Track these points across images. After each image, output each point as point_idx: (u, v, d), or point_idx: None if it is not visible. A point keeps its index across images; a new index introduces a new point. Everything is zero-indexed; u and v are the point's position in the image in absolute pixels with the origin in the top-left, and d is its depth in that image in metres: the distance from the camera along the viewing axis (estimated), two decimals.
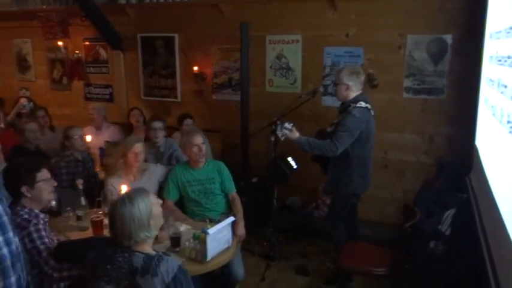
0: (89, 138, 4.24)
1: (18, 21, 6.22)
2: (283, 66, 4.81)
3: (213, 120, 5.23)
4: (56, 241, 2.40)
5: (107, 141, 4.52)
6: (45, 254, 2.24)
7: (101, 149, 4.45)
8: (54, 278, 2.25)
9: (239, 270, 3.07)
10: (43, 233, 2.30)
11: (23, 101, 5.42)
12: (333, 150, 3.22)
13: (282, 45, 4.77)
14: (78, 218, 2.94)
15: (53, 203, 2.92)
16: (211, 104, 5.27)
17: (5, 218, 1.79)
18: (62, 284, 2.39)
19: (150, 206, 1.89)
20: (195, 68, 5.23)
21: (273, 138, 3.70)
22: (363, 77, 3.37)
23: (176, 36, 5.32)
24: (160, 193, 3.39)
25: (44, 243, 2.27)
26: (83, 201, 3.07)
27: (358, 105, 3.25)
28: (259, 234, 4.09)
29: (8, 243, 1.77)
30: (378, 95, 4.15)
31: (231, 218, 2.70)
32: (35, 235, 2.26)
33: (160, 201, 2.08)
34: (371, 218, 4.24)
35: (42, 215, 2.41)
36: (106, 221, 2.57)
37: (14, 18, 6.22)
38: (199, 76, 5.22)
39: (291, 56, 4.75)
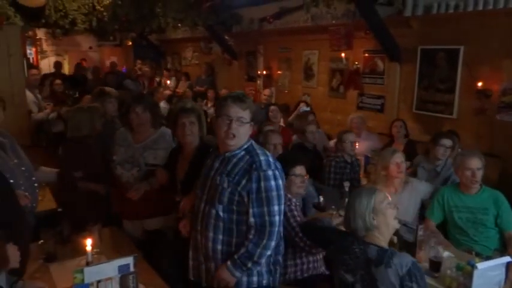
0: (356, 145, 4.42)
1: (310, 35, 7.07)
2: None
3: (492, 143, 4.62)
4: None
5: (373, 150, 4.61)
6: (297, 230, 2.64)
7: (366, 156, 4.58)
8: (306, 250, 2.67)
9: None
10: (295, 213, 2.73)
11: (302, 105, 6.23)
12: None
13: None
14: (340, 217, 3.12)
15: (321, 199, 3.23)
16: (493, 124, 4.65)
17: (282, 193, 2.15)
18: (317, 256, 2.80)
19: (373, 204, 2.02)
20: (479, 84, 4.73)
21: None
22: None
23: (461, 48, 4.92)
24: (422, 212, 3.24)
25: (296, 221, 2.69)
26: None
27: None
28: None
29: (280, 212, 2.14)
30: None
31: (507, 258, 2.32)
32: (288, 214, 2.66)
33: (391, 202, 2.11)
34: None
35: (294, 200, 2.82)
36: None
37: (308, 32, 7.10)
38: (483, 93, 4.69)
39: None
